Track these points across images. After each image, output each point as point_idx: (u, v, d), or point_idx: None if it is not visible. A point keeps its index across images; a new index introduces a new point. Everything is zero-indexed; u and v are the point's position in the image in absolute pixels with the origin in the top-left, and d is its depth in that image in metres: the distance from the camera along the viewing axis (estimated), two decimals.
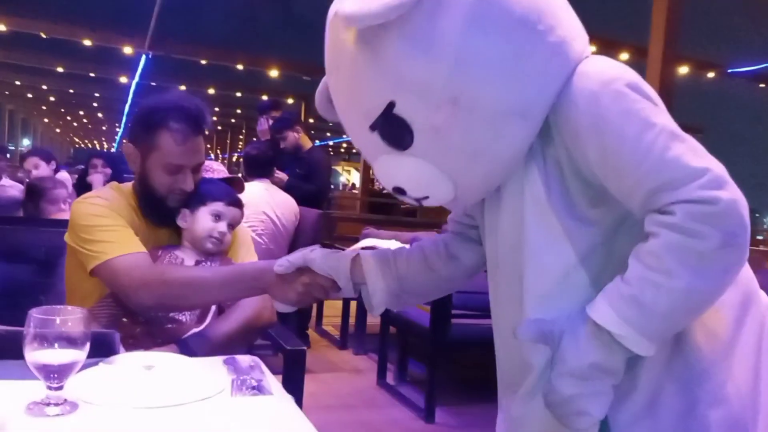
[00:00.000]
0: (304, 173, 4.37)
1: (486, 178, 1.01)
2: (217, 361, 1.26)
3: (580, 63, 0.97)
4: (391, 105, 0.94)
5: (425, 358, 3.47)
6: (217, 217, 1.65)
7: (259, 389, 1.11)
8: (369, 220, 4.83)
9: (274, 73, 10.70)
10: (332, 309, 4.98)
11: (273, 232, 3.59)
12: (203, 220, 1.64)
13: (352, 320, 4.50)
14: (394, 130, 0.96)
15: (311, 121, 13.47)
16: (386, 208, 12.08)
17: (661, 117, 0.92)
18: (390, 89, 0.93)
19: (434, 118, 0.93)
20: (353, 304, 4.44)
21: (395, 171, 1.01)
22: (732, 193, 0.85)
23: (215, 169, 3.06)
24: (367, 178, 12.80)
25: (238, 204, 1.73)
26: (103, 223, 1.53)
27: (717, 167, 0.87)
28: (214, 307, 1.61)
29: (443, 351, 3.35)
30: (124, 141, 1.71)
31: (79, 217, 1.56)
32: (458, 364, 4.14)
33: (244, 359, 1.26)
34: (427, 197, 1.04)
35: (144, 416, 0.97)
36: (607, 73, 0.95)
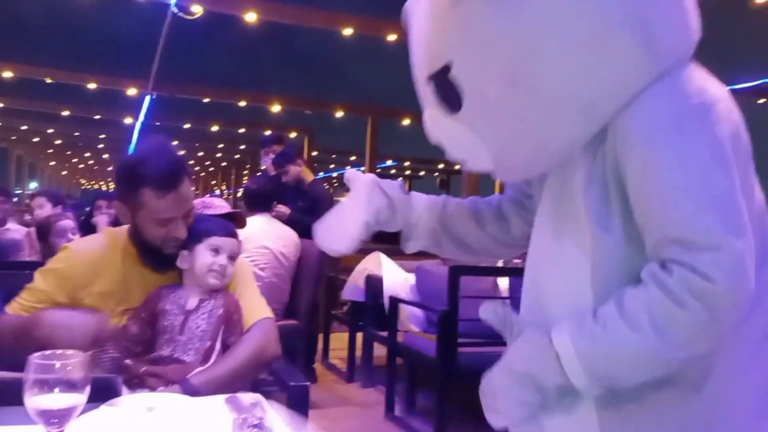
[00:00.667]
0: (306, 206, 4.40)
1: (528, 162, 0.98)
2: (219, 399, 1.26)
3: (674, 68, 0.88)
4: (447, 67, 0.91)
5: (433, 388, 3.44)
6: (216, 251, 1.67)
7: (260, 427, 1.11)
8: (373, 249, 4.82)
9: (276, 108, 10.82)
10: (339, 342, 4.96)
11: (275, 265, 3.60)
12: (202, 256, 1.65)
13: (358, 353, 4.47)
14: (446, 91, 0.94)
15: (314, 154, 13.57)
16: (391, 237, 12.07)
17: (727, 172, 0.83)
18: (454, 46, 0.90)
19: (489, 91, 0.90)
20: (359, 337, 4.42)
21: (439, 128, 1.00)
22: (739, 280, 0.80)
23: (216, 205, 3.08)
24: None
25: (234, 235, 1.75)
26: (34, 280, 1.64)
27: (742, 247, 0.80)
28: (218, 346, 1.62)
29: (451, 380, 3.33)
30: (114, 201, 1.76)
31: None
32: (467, 393, 4.10)
33: (246, 397, 1.26)
34: (465, 161, 1.02)
35: None
36: (705, 95, 0.87)
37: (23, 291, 1.64)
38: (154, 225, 1.62)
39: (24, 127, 15.48)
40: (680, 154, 0.84)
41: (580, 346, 0.87)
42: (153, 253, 1.67)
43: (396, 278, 4.03)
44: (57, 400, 0.95)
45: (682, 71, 0.89)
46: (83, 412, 1.00)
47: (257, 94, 11.35)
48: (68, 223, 3.15)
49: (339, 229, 1.21)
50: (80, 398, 0.97)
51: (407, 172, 24.63)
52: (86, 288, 1.64)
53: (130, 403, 1.17)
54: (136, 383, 1.52)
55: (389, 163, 21.57)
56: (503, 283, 3.82)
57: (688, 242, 0.82)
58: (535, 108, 0.90)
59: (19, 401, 0.97)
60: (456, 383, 3.30)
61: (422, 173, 24.92)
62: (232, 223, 1.79)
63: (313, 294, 3.73)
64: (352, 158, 19.42)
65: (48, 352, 0.98)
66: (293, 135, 13.16)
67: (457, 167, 18.22)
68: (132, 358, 1.59)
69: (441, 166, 22.30)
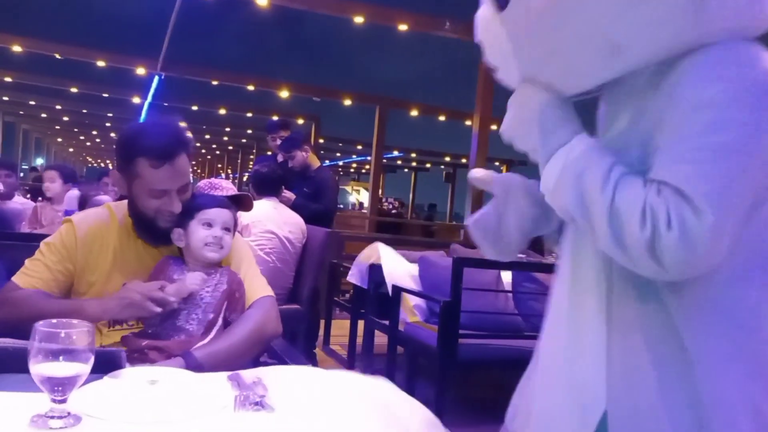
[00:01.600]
0: (311, 192, 4.39)
1: (553, 82, 1.00)
2: (222, 376, 1.26)
3: (730, 40, 0.88)
4: None
5: (433, 379, 3.45)
6: (209, 224, 1.67)
7: (261, 405, 1.11)
8: (378, 239, 4.83)
9: (284, 93, 10.81)
10: (340, 329, 4.97)
11: (281, 250, 3.60)
12: (196, 232, 1.66)
13: (359, 340, 4.48)
14: None
15: (321, 141, 13.56)
16: (395, 228, 12.11)
17: (761, 142, 0.84)
18: None
19: (531, 1, 0.93)
20: (360, 324, 4.43)
21: (485, 27, 1.03)
22: (710, 246, 0.83)
23: (224, 186, 3.09)
24: (376, 198, 12.84)
25: (227, 206, 1.74)
26: (40, 251, 1.67)
27: (727, 218, 0.83)
28: (220, 321, 1.62)
29: (451, 371, 3.33)
30: (111, 169, 1.79)
31: None
32: (466, 384, 4.11)
33: (248, 375, 1.26)
34: (496, 69, 1.06)
35: (147, 431, 0.97)
36: (763, 65, 0.86)
37: (28, 261, 1.65)
38: (148, 196, 1.63)
39: (32, 103, 15.49)
40: (721, 112, 0.84)
41: (568, 161, 0.95)
42: (147, 226, 1.68)
43: (398, 268, 4.03)
44: (61, 368, 0.94)
45: (741, 44, 0.88)
46: (86, 382, 1.00)
47: (265, 79, 11.34)
48: (105, 198, 3.24)
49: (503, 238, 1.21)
50: (84, 368, 0.97)
51: (413, 164, 24.61)
52: (87, 260, 1.66)
53: (132, 375, 1.16)
54: (137, 357, 1.53)
55: (395, 153, 21.53)
56: (506, 276, 3.82)
57: (687, 195, 0.84)
58: (566, 33, 0.92)
59: (24, 368, 0.97)
60: (456, 374, 3.31)
61: (428, 165, 24.90)
62: (231, 202, 1.78)
63: (316, 280, 3.73)
64: (359, 147, 19.40)
65: (54, 320, 0.97)
66: (300, 121, 13.16)
67: (463, 161, 18.19)
68: (133, 332, 1.60)
69: (447, 159, 22.27)
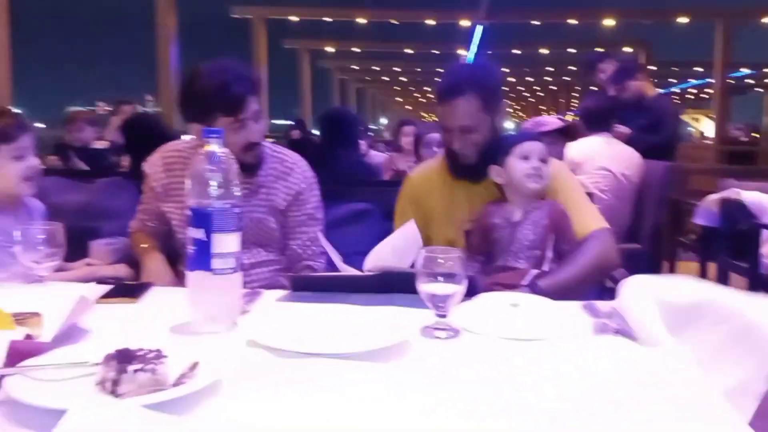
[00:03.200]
0: (648, 124, 4.10)
1: None
2: (575, 305, 1.32)
3: None
4: None
5: None
6: (525, 157, 1.73)
7: (622, 332, 1.14)
8: (726, 171, 4.30)
9: (609, 22, 10.16)
10: (686, 271, 4.61)
11: (616, 187, 3.48)
12: (515, 165, 1.73)
13: None
14: None
15: (653, 68, 12.43)
16: (746, 158, 10.54)
17: None
18: None
19: None
20: (711, 267, 4.04)
21: None
22: None
23: (548, 121, 3.12)
24: (722, 125, 11.32)
25: (538, 138, 1.80)
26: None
27: None
28: (549, 254, 1.67)
29: None
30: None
31: None
32: None
33: (603, 305, 1.30)
34: None
35: (512, 346, 1.09)
36: None
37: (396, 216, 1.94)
38: (443, 131, 1.81)
39: (376, 68, 17.45)
40: None
41: None
42: (452, 162, 1.83)
43: (763, 200, 3.53)
44: (442, 288, 1.12)
45: None
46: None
47: (588, 10, 10.78)
48: (434, 136, 3.59)
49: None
50: (459, 288, 1.12)
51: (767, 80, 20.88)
52: (423, 205, 1.89)
53: (494, 298, 1.30)
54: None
55: (743, 72, 18.54)
56: None
57: None
58: None
59: (409, 289, 1.18)
60: None
61: None
62: (559, 135, 1.82)
63: (656, 217, 3.52)
64: (697, 69, 17.24)
65: (434, 248, 1.15)
66: (628, 50, 12.24)
67: None
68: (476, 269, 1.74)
69: None
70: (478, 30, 11.70)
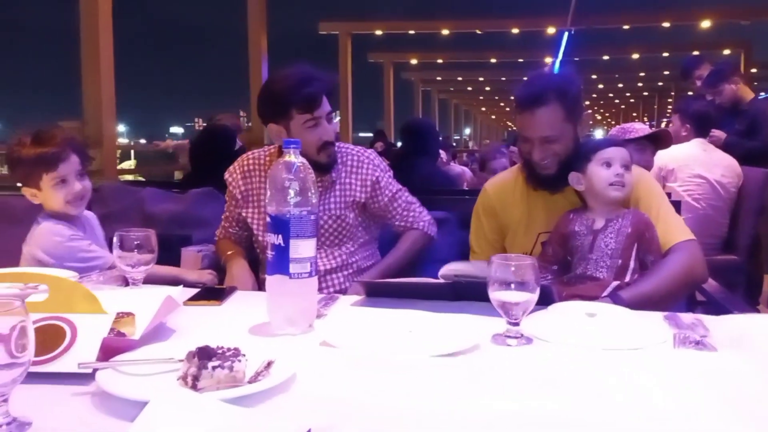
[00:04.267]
0: (745, 129, 3.88)
1: None
2: (657, 315, 1.27)
3: None
4: None
5: None
6: (608, 164, 1.66)
7: (702, 345, 1.09)
8: None
9: (705, 23, 9.67)
10: None
11: (711, 196, 3.31)
12: (597, 172, 1.66)
13: None
14: None
15: (753, 70, 11.72)
16: None
17: None
18: None
19: None
20: None
21: None
22: None
23: (636, 128, 3.00)
24: None
25: (621, 144, 1.72)
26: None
27: None
28: (632, 264, 1.60)
29: None
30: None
31: None
32: None
33: (686, 316, 1.25)
34: None
35: (588, 355, 1.06)
36: None
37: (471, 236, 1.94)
38: (522, 141, 1.76)
39: (459, 78, 17.41)
40: None
41: None
42: (531, 172, 1.78)
43: None
44: (513, 295, 1.11)
45: None
46: (532, 312, 1.14)
47: (682, 12, 10.30)
48: (502, 161, 3.60)
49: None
50: (531, 296, 1.11)
51: None
52: (500, 217, 1.86)
53: (572, 307, 1.28)
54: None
55: None
56: None
57: None
58: None
59: (479, 297, 1.20)
60: None
61: None
62: (649, 142, 1.74)
63: (754, 227, 3.32)
64: None
65: (506, 255, 1.15)
66: (726, 52, 11.60)
67: None
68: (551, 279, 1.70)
69: None
70: (565, 37, 11.45)
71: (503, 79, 18.01)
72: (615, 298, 1.52)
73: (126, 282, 1.43)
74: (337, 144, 1.98)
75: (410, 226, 2.00)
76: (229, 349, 0.91)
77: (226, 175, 2.05)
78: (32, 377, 0.84)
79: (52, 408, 0.84)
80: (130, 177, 6.77)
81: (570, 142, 1.74)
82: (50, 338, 0.95)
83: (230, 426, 0.65)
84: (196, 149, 3.54)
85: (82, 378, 0.90)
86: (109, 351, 0.95)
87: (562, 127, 1.71)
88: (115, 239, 1.44)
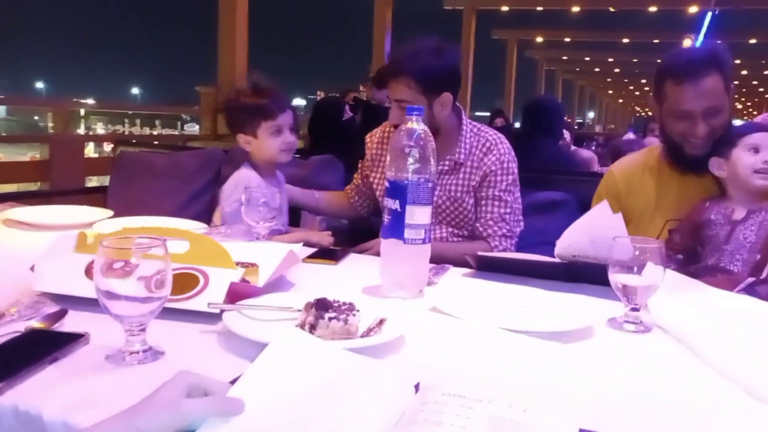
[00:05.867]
0: None
1: None
2: None
3: None
4: None
5: None
6: (755, 149, 1.55)
7: None
8: None
9: None
10: None
11: None
12: (742, 158, 1.56)
13: None
14: None
15: None
16: None
17: None
18: None
19: None
20: None
21: None
22: None
23: None
24: None
25: (766, 129, 1.59)
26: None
27: None
28: None
29: None
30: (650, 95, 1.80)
31: None
32: None
33: None
34: None
35: (710, 349, 1.00)
36: None
37: None
38: (673, 118, 1.64)
39: (587, 59, 16.67)
40: None
41: None
42: (676, 152, 1.68)
43: None
44: (634, 279, 1.06)
45: None
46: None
47: None
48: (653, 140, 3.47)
49: None
50: (654, 282, 1.06)
51: None
52: (625, 202, 1.77)
53: (699, 296, 1.20)
54: None
55: None
56: None
57: None
58: None
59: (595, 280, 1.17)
60: None
61: None
62: None
63: None
64: None
65: (630, 237, 1.11)
66: None
67: None
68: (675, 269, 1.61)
69: None
70: (708, 17, 10.62)
71: (635, 60, 17.04)
72: (752, 294, 1.41)
73: (251, 237, 1.52)
74: (476, 125, 1.96)
75: (484, 236, 1.90)
76: (344, 303, 0.94)
77: (367, 137, 2.12)
78: (167, 313, 0.92)
79: (183, 342, 0.92)
80: None
81: (728, 118, 1.65)
82: (186, 283, 1.03)
83: (344, 370, 0.68)
84: (311, 121, 3.93)
85: (211, 317, 0.97)
86: (235, 295, 1.01)
87: (725, 98, 1.62)
88: (243, 196, 1.53)
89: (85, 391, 0.75)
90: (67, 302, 1.01)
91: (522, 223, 1.93)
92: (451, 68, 1.86)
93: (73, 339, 0.87)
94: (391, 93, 1.84)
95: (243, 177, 1.85)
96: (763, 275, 1.49)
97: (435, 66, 1.79)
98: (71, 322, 0.96)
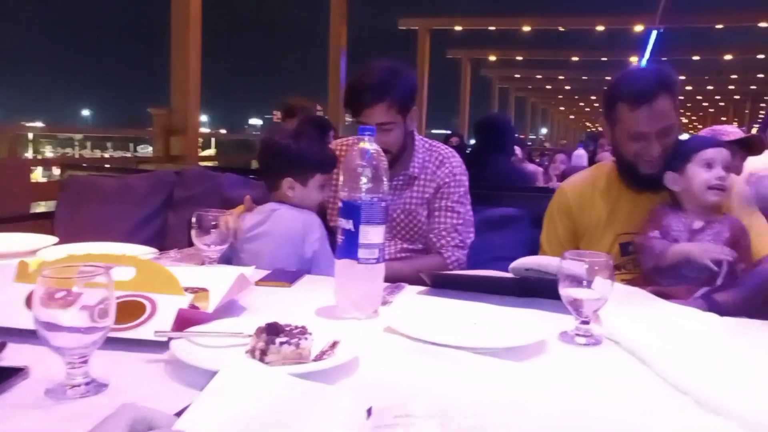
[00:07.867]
0: None
1: None
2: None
3: None
4: None
5: None
6: (709, 165, 1.58)
7: None
8: None
9: None
10: None
11: None
12: (696, 174, 1.59)
13: None
14: None
15: None
16: None
17: None
18: None
19: None
20: None
21: None
22: None
23: (729, 131, 2.84)
24: None
25: (724, 145, 1.62)
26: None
27: None
28: (725, 267, 1.52)
29: None
30: (600, 119, 1.84)
31: None
32: None
33: None
34: None
35: (664, 362, 1.02)
36: None
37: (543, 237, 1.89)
38: (628, 140, 1.67)
39: (538, 76, 17.08)
40: None
41: None
42: (629, 171, 1.71)
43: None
44: (585, 293, 1.08)
45: None
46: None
47: None
48: (606, 155, 3.53)
49: None
50: (603, 295, 1.08)
51: None
52: (576, 218, 1.81)
53: (649, 308, 1.23)
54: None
55: None
56: None
57: None
58: None
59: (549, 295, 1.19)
60: None
61: None
62: (738, 147, 1.64)
63: None
64: None
65: (579, 251, 1.12)
66: None
67: None
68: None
69: None
70: (653, 35, 11.02)
71: (585, 78, 17.54)
72: (709, 302, 1.44)
73: (201, 261, 1.49)
74: (427, 141, 2.01)
75: (438, 249, 1.92)
76: (296, 327, 0.93)
77: None
78: (113, 343, 0.89)
79: (129, 372, 0.89)
80: (210, 163, 7.04)
81: (677, 136, 1.70)
82: (132, 311, 1.00)
83: (294, 397, 0.66)
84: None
85: (158, 346, 0.94)
86: (183, 322, 0.99)
87: (675, 117, 1.67)
88: (193, 219, 1.50)
89: (23, 429, 0.72)
90: (6, 335, 0.97)
91: (473, 234, 1.97)
92: (415, 84, 1.94)
93: (11, 373, 0.83)
94: (370, 118, 1.81)
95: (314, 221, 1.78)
96: (717, 283, 1.53)
97: (405, 85, 1.86)
98: (10, 355, 0.92)
